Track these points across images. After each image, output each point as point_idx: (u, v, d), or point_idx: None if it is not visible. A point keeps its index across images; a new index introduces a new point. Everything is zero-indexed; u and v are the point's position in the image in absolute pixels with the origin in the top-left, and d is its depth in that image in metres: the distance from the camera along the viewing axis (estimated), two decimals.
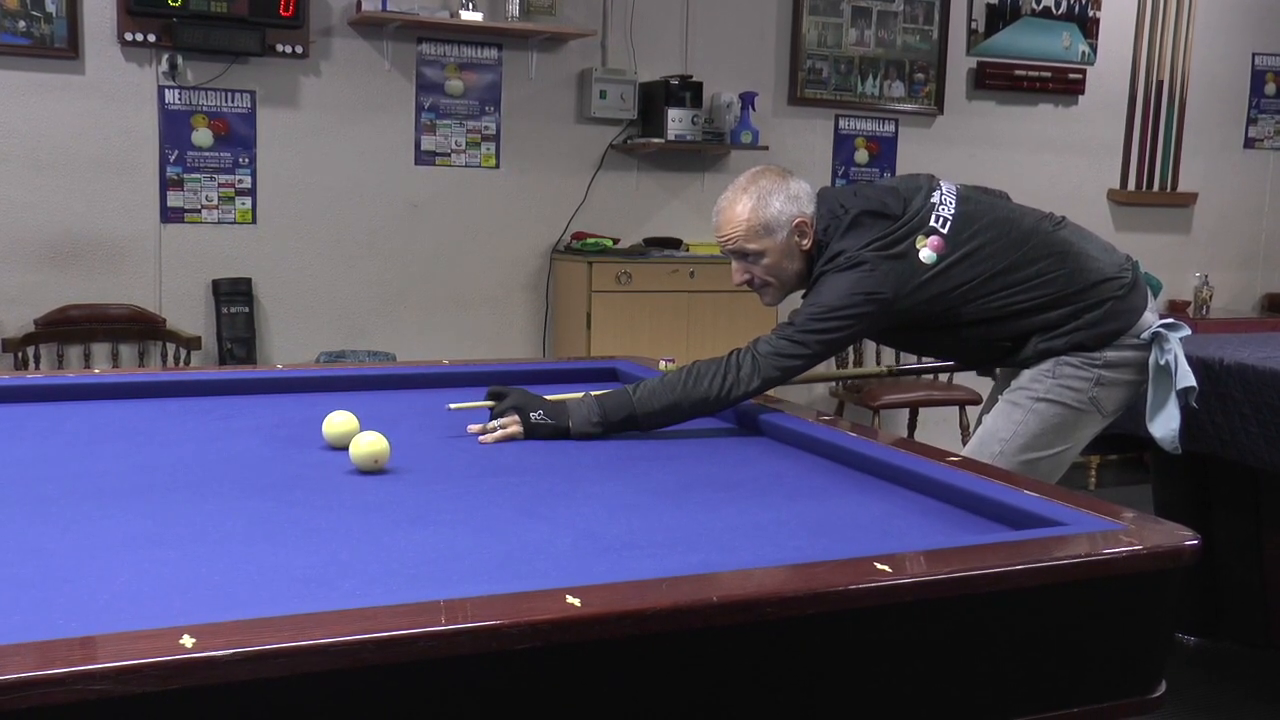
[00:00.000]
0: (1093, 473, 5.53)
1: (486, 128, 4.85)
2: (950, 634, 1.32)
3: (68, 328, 4.27)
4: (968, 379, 4.82)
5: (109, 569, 1.33)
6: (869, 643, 1.28)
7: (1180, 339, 2.45)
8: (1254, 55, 6.27)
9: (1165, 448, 2.48)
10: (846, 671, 1.27)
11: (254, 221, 4.54)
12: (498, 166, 4.89)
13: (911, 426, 5.25)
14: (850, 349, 5.27)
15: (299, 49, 4.44)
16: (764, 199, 2.38)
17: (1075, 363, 2.42)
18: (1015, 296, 2.40)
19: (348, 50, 4.60)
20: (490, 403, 2.17)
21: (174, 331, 4.38)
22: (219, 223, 4.49)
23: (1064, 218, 2.56)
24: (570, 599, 1.14)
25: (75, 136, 4.28)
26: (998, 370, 2.69)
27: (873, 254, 2.31)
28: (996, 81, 5.64)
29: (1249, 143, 6.34)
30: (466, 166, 4.84)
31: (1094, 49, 5.87)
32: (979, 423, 2.63)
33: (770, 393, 2.37)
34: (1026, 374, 2.46)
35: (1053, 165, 5.81)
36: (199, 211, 4.46)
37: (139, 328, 4.36)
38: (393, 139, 4.72)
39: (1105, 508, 1.56)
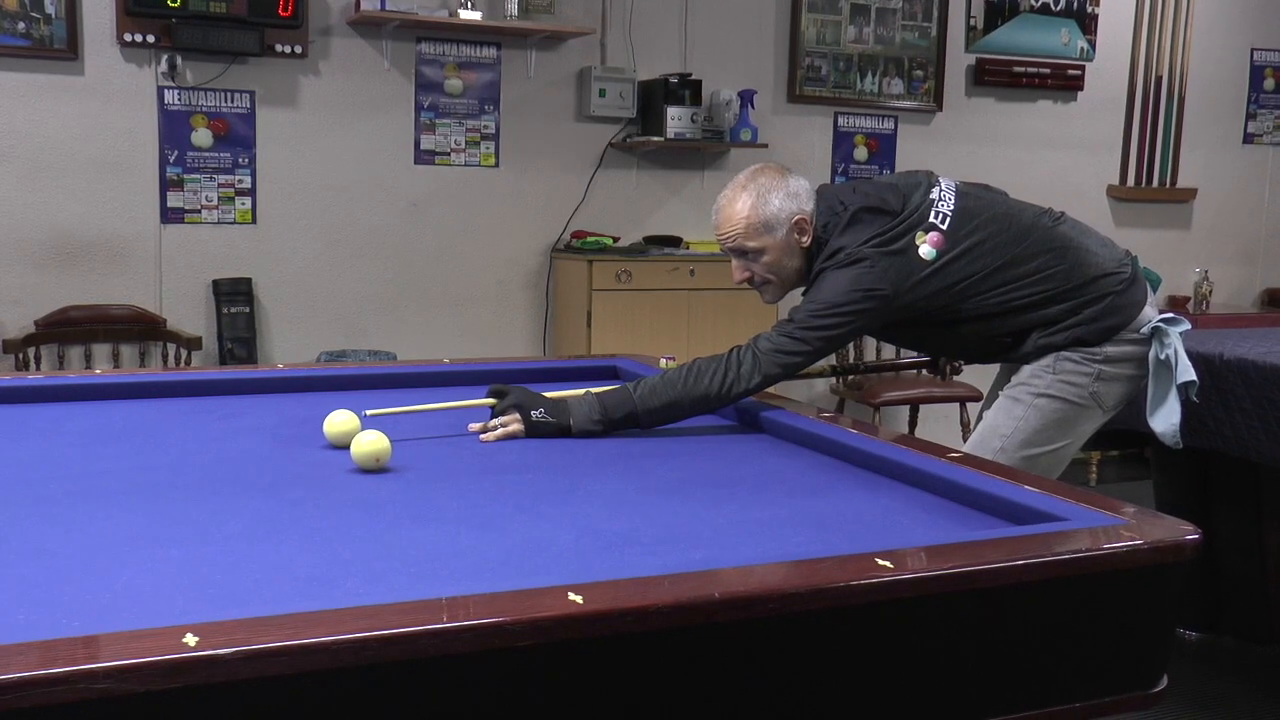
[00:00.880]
0: (1094, 468, 5.53)
1: (486, 126, 4.85)
2: (952, 629, 1.32)
3: (68, 328, 4.28)
4: (969, 376, 4.82)
5: (111, 568, 1.33)
6: (871, 638, 1.28)
7: (1180, 334, 2.45)
8: (1253, 50, 6.27)
9: (1166, 442, 2.48)
10: (849, 667, 1.27)
11: (254, 221, 4.54)
12: (497, 165, 4.89)
13: (912, 423, 5.25)
14: (852, 350, 5.27)
15: (298, 49, 4.44)
16: (763, 196, 2.38)
17: (1075, 358, 2.42)
18: (1015, 292, 2.40)
19: (347, 50, 4.60)
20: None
21: (174, 332, 4.39)
22: (219, 223, 4.50)
23: (1063, 213, 2.56)
24: (572, 596, 1.14)
25: (75, 137, 4.28)
26: (999, 365, 2.69)
27: (872, 250, 2.31)
28: (995, 78, 5.64)
29: (1248, 138, 6.34)
30: (466, 165, 4.84)
31: (1093, 45, 5.87)
32: (979, 419, 2.63)
33: (771, 389, 2.37)
34: (1027, 370, 2.46)
35: (1052, 161, 5.81)
36: (199, 212, 4.46)
37: (140, 328, 4.36)
38: (392, 138, 4.72)
39: (1106, 503, 1.56)
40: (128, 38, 4.22)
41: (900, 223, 2.35)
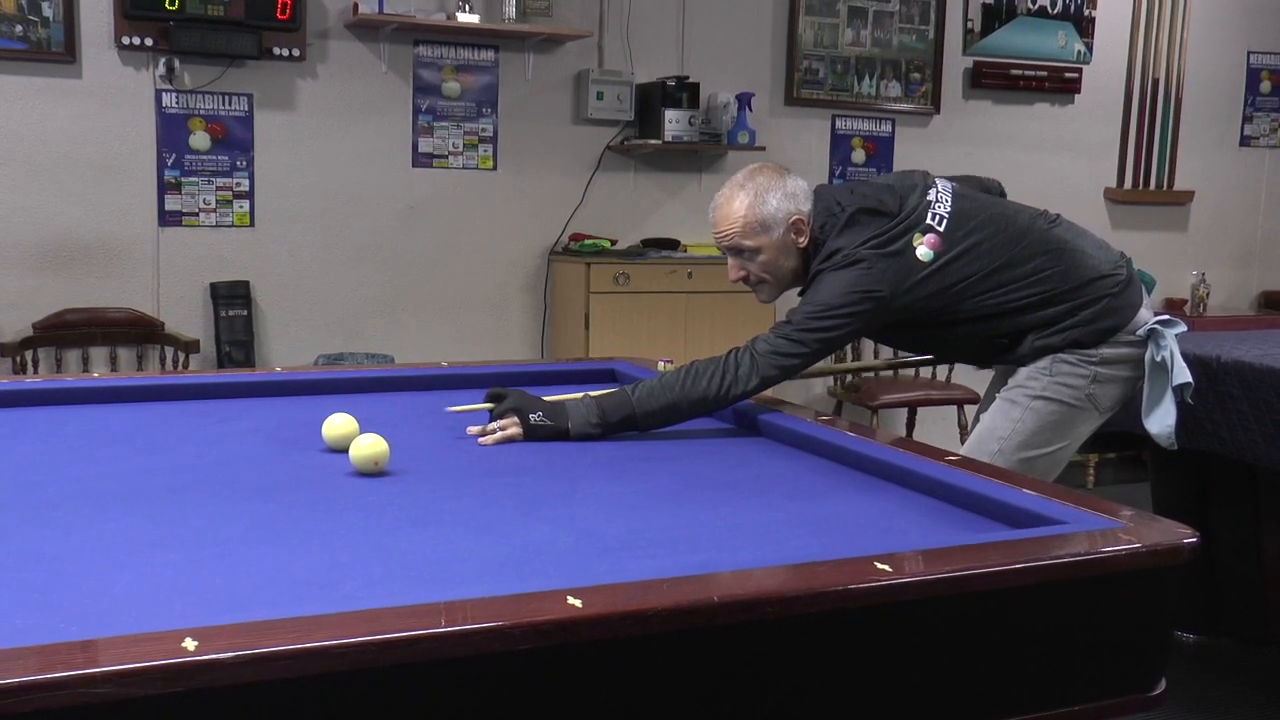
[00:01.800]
0: (1091, 471, 5.53)
1: (484, 129, 4.85)
2: (950, 633, 1.32)
3: (66, 331, 4.27)
4: (966, 379, 4.83)
5: (110, 572, 1.33)
6: (869, 642, 1.28)
7: (1176, 335, 2.45)
8: (1249, 53, 6.28)
9: (1162, 444, 2.48)
10: (847, 670, 1.27)
11: (252, 224, 4.54)
12: (495, 168, 4.89)
13: (910, 426, 5.25)
14: (850, 353, 5.28)
15: (295, 52, 4.44)
16: (761, 196, 2.38)
17: (1072, 360, 2.43)
18: (1012, 294, 2.40)
19: (344, 53, 4.60)
20: (489, 404, 2.17)
21: (172, 335, 4.38)
22: (217, 226, 4.49)
23: (1058, 215, 2.56)
24: (572, 600, 1.14)
25: (73, 140, 4.28)
26: (995, 368, 2.69)
27: (870, 251, 2.31)
28: (993, 81, 5.65)
29: (1245, 141, 6.35)
30: (464, 168, 4.85)
31: (1090, 48, 5.88)
32: (976, 421, 2.63)
33: (769, 392, 2.37)
34: (1023, 372, 2.47)
35: (1049, 164, 5.82)
36: (197, 215, 4.46)
37: (137, 331, 4.36)
38: (390, 141, 4.72)
39: (1104, 506, 1.56)
40: (125, 41, 4.22)
41: (898, 224, 2.35)
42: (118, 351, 4.34)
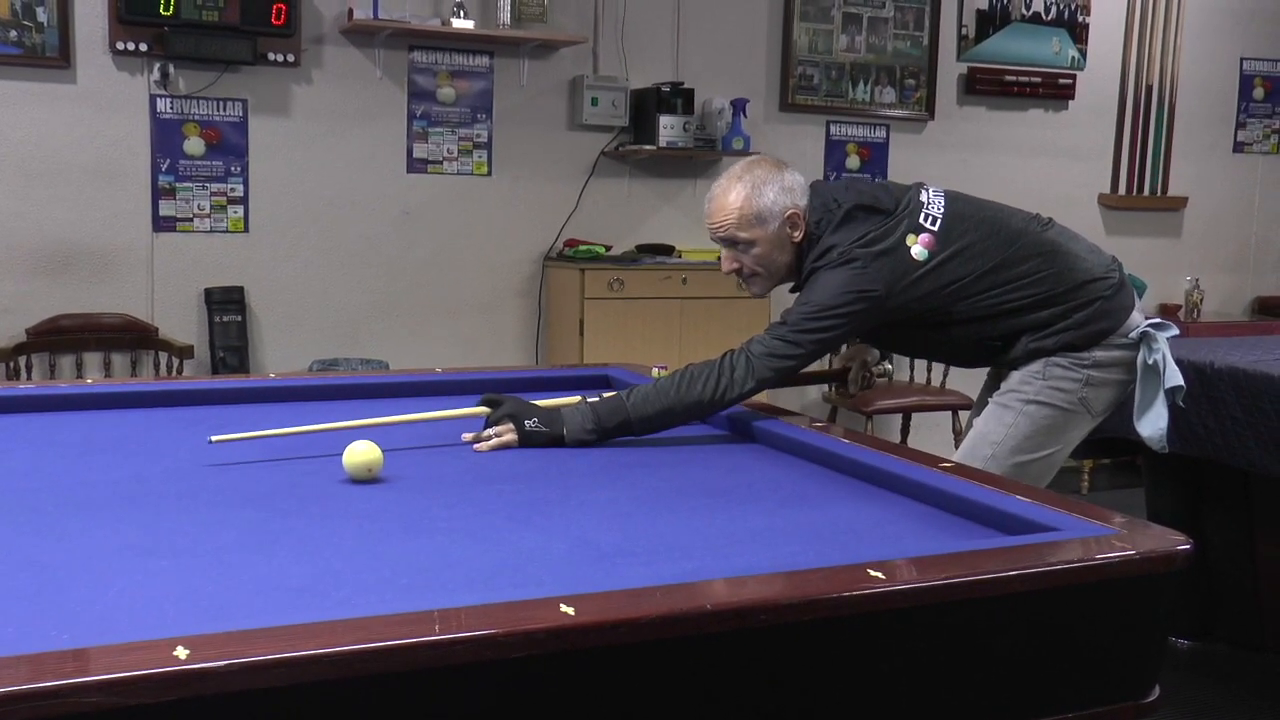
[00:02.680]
0: (1085, 477, 5.54)
1: (478, 135, 4.85)
2: (943, 640, 1.32)
3: (59, 337, 4.27)
4: (961, 384, 4.83)
5: (102, 580, 1.32)
6: (862, 649, 1.28)
7: (1168, 339, 2.45)
8: (1242, 60, 6.29)
9: (1153, 447, 2.48)
10: (840, 678, 1.27)
11: (246, 230, 4.54)
12: (490, 174, 4.89)
13: (904, 432, 5.25)
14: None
15: (290, 57, 4.44)
16: (758, 188, 2.38)
17: (1064, 363, 2.43)
18: (1005, 295, 2.41)
19: (339, 58, 4.60)
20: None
21: (166, 340, 4.38)
22: (211, 231, 4.49)
23: (1051, 219, 2.57)
24: (564, 608, 1.14)
25: (67, 145, 4.28)
26: (987, 371, 2.69)
27: (864, 250, 2.32)
28: (987, 87, 5.66)
29: (1238, 147, 6.36)
30: (459, 174, 4.85)
31: (1084, 54, 5.89)
32: (969, 426, 2.63)
33: (762, 398, 2.37)
34: (1016, 376, 2.47)
35: (1043, 170, 5.83)
36: (191, 220, 4.46)
37: (131, 337, 4.35)
38: (385, 147, 4.72)
39: (1098, 513, 1.56)
40: (120, 46, 4.22)
41: (893, 222, 2.36)
42: (112, 357, 4.33)
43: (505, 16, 4.67)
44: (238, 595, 1.29)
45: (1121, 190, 6.08)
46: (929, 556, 1.38)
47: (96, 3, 4.21)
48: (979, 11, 5.66)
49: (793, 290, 2.48)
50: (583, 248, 4.80)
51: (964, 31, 5.65)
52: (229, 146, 4.47)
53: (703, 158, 5.15)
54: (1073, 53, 5.85)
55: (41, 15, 4.15)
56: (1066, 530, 1.50)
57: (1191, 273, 6.16)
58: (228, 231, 4.51)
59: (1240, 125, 6.34)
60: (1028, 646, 1.37)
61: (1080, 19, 5.85)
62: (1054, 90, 5.79)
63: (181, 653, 1.00)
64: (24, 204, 4.25)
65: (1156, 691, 1.45)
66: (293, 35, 4.40)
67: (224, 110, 4.45)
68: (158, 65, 4.30)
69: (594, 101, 4.89)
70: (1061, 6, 5.80)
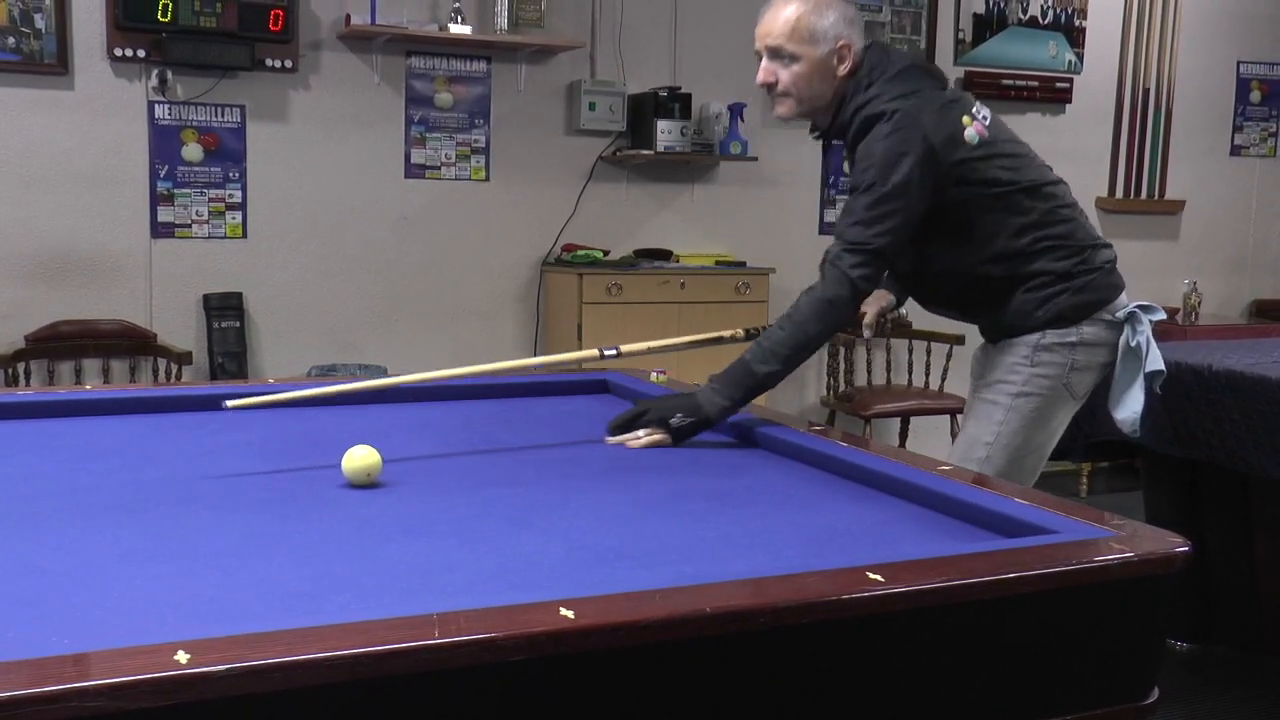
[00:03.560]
0: (1084, 480, 5.54)
1: (476, 140, 4.86)
2: (943, 643, 1.32)
3: (58, 344, 4.27)
4: (959, 388, 4.83)
5: (102, 585, 1.32)
6: (862, 652, 1.28)
7: (1153, 321, 2.44)
8: (1239, 63, 6.31)
9: (1125, 430, 2.46)
10: (839, 681, 1.27)
11: (244, 236, 4.54)
12: (488, 179, 4.90)
13: (903, 435, 5.26)
14: (843, 363, 5.28)
15: (288, 63, 4.44)
16: (819, 9, 2.37)
17: (1050, 345, 2.41)
18: (1034, 229, 2.37)
19: (337, 64, 4.60)
20: (276, 401, 2.21)
21: (165, 346, 4.38)
22: (209, 237, 4.49)
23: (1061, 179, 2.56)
24: (564, 611, 1.14)
25: (65, 152, 4.28)
26: (974, 356, 2.63)
27: (916, 103, 2.28)
28: (984, 90, 5.66)
29: (1235, 150, 6.37)
30: (456, 179, 4.85)
31: (1080, 58, 5.90)
32: (963, 426, 2.62)
33: (761, 402, 2.37)
34: (1002, 364, 2.45)
35: None
36: (189, 226, 4.46)
37: (130, 343, 4.35)
38: (382, 152, 4.72)
39: (1096, 515, 1.57)
40: (118, 52, 4.22)
41: (949, 95, 2.35)
42: (110, 363, 4.33)
43: (503, 22, 4.68)
44: (238, 600, 1.29)
45: (1119, 193, 6.09)
46: (928, 559, 1.38)
47: (94, 9, 4.22)
48: (976, 15, 5.67)
49: (822, 137, 2.48)
50: (581, 252, 4.80)
51: (961, 35, 5.66)
52: (227, 152, 4.47)
53: (700, 162, 5.15)
54: (1070, 56, 5.86)
55: (40, 22, 4.16)
56: (1065, 533, 1.50)
57: (1189, 275, 6.17)
58: (226, 237, 4.51)
59: (1237, 128, 6.35)
60: (1027, 648, 1.37)
61: (1077, 22, 5.86)
62: (1051, 94, 5.80)
63: (182, 657, 1.00)
64: (23, 210, 4.25)
65: (1156, 693, 1.46)
66: (290, 41, 4.40)
67: (222, 116, 4.45)
68: (156, 71, 4.30)
69: (591, 106, 4.90)
70: (1058, 10, 5.82)
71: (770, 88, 2.43)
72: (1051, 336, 2.41)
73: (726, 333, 2.47)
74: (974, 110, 2.38)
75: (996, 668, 1.36)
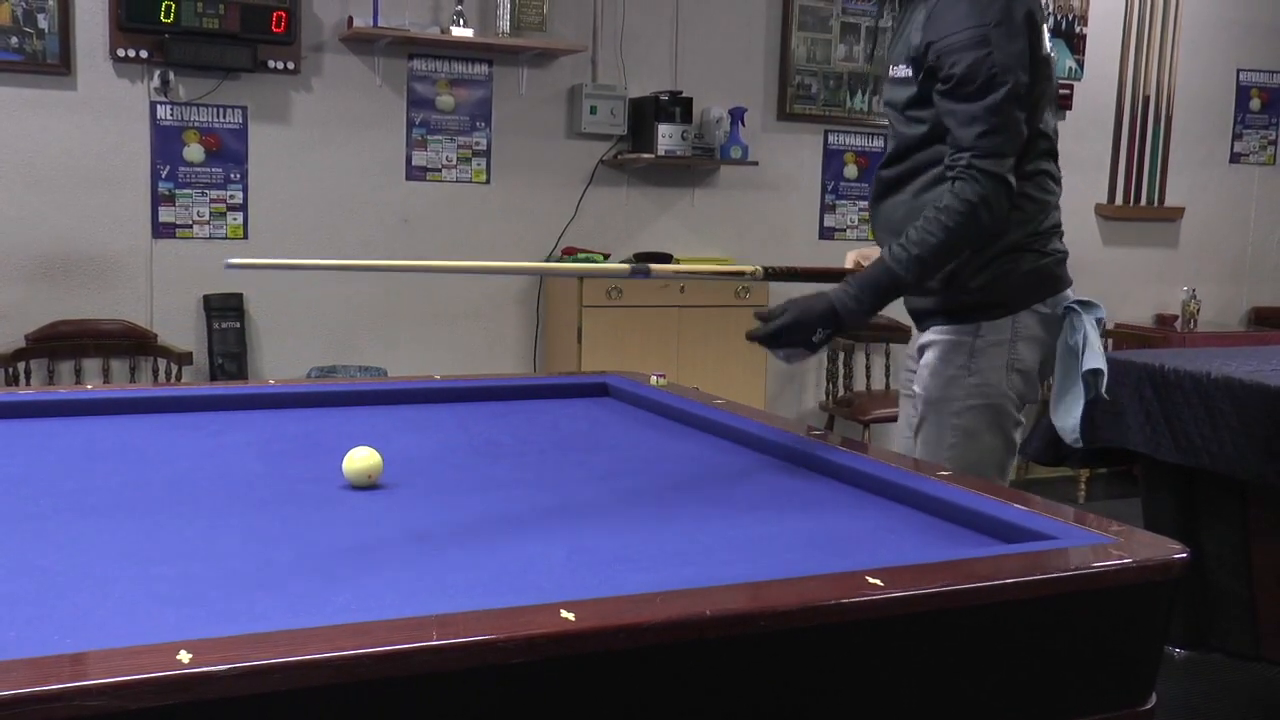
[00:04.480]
0: (1082, 486, 5.55)
1: (477, 143, 4.87)
2: (941, 647, 1.32)
3: (59, 343, 4.27)
4: None
5: (103, 585, 1.33)
6: (861, 656, 1.28)
7: (1096, 320, 2.27)
8: (1239, 71, 6.32)
9: (1067, 439, 2.29)
10: (838, 684, 1.27)
11: (245, 237, 4.55)
12: (488, 182, 4.90)
13: None
14: (842, 368, 5.29)
15: (290, 65, 4.45)
16: None
17: (985, 349, 2.27)
18: (1031, 179, 2.25)
19: (339, 66, 4.61)
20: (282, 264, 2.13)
21: (165, 347, 4.38)
22: (210, 238, 4.50)
23: None
24: (565, 613, 1.14)
25: (67, 152, 4.28)
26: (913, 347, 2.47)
27: None
28: None
29: (1234, 158, 6.39)
30: (457, 182, 4.86)
31: (1081, 65, 5.91)
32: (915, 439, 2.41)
33: (759, 406, 2.37)
34: (938, 374, 2.30)
35: None
36: (190, 227, 4.47)
37: (130, 343, 4.36)
38: (384, 154, 4.73)
39: (1095, 521, 1.57)
40: (120, 53, 4.23)
41: None
42: (110, 363, 4.33)
43: (504, 25, 4.69)
44: (239, 600, 1.29)
45: (1118, 200, 6.10)
46: (927, 564, 1.38)
47: (97, 10, 4.22)
48: None
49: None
50: (581, 255, 4.81)
51: None
52: (229, 153, 4.48)
53: (701, 166, 5.16)
54: (1070, 63, 5.87)
55: (43, 22, 4.17)
56: (1064, 539, 1.51)
57: (1188, 283, 6.18)
58: (227, 238, 4.52)
59: (1237, 136, 6.36)
60: (1025, 654, 1.37)
61: (1078, 29, 5.87)
62: None
63: (184, 656, 1.00)
64: (24, 210, 4.25)
65: (1154, 698, 1.46)
66: (293, 43, 4.41)
67: (224, 117, 4.46)
68: (158, 72, 4.31)
69: (592, 110, 4.90)
70: (1059, 17, 5.83)
71: None
72: (987, 335, 2.26)
73: (747, 269, 2.33)
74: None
75: (994, 673, 1.36)
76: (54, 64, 4.20)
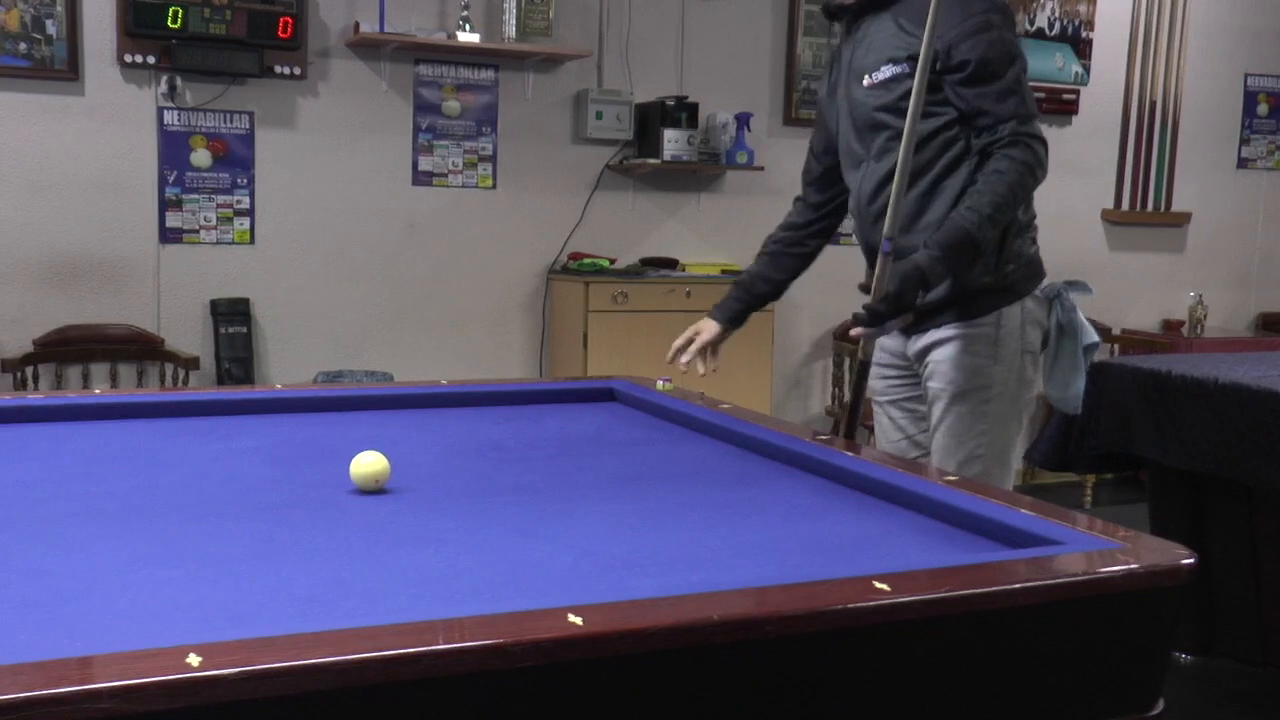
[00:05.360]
0: (1088, 492, 5.54)
1: (483, 148, 4.87)
2: (948, 653, 1.32)
3: (66, 348, 4.28)
4: None
5: (112, 589, 1.33)
6: (867, 661, 1.28)
7: (1079, 298, 2.46)
8: (1246, 76, 6.31)
9: (1067, 409, 2.49)
10: (843, 690, 1.27)
11: (252, 242, 4.56)
12: (494, 187, 4.91)
13: None
14: (847, 373, 5.29)
15: (297, 70, 4.46)
16: None
17: (1005, 338, 2.38)
18: None
19: (345, 71, 4.62)
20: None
21: (172, 352, 4.39)
22: (217, 243, 4.51)
23: None
24: (572, 617, 1.15)
25: (75, 157, 4.30)
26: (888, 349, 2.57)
27: None
28: None
29: (1242, 163, 6.38)
30: (463, 187, 4.87)
31: (1087, 70, 5.91)
32: (936, 427, 2.46)
33: (765, 411, 2.37)
34: (961, 367, 2.38)
35: (1046, 185, 5.76)
36: (197, 232, 4.48)
37: (137, 348, 4.37)
38: (390, 159, 4.74)
39: (1102, 526, 1.57)
40: (128, 58, 4.24)
41: None
42: (118, 368, 4.35)
43: (510, 30, 4.70)
44: (247, 604, 1.29)
45: (1125, 206, 6.09)
46: (934, 569, 1.38)
47: (105, 16, 4.24)
48: None
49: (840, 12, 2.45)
50: (587, 261, 4.81)
51: None
52: (235, 159, 4.49)
53: (707, 171, 5.16)
54: (1076, 68, 5.87)
55: (51, 28, 4.18)
56: (1071, 544, 1.50)
57: (1195, 288, 6.17)
58: (234, 243, 4.53)
59: (1244, 141, 6.36)
60: (1033, 659, 1.37)
61: (1084, 34, 5.87)
62: (1057, 105, 5.81)
63: (194, 660, 1.00)
64: (32, 215, 4.27)
65: (1161, 704, 1.46)
66: (299, 48, 4.42)
67: (231, 123, 4.47)
68: (165, 78, 4.32)
69: (598, 115, 4.91)
70: (1065, 22, 5.83)
71: None
72: (1006, 324, 2.38)
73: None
74: None
75: (1002, 678, 1.36)
76: (62, 70, 4.21)
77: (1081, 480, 5.46)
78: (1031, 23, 5.75)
